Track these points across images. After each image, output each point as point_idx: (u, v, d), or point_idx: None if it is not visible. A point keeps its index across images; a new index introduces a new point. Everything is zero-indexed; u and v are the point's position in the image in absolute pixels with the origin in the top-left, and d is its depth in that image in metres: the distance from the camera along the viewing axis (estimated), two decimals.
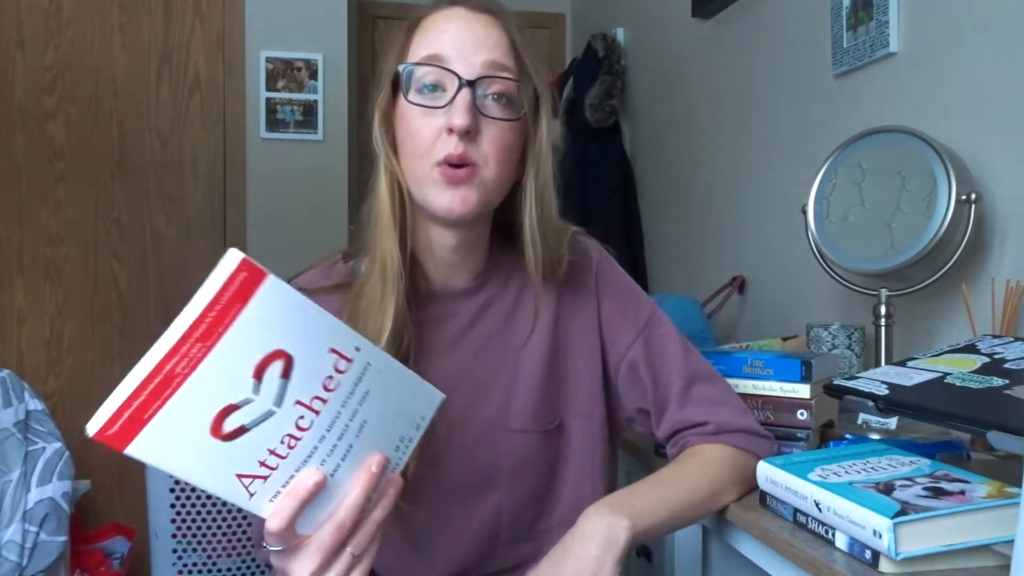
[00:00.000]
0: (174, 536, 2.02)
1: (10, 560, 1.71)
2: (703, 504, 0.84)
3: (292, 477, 0.59)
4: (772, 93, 1.94)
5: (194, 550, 2.03)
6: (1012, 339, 0.92)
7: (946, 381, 0.83)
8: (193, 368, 0.52)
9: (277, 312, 0.54)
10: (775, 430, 0.97)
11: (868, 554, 0.68)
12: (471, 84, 0.79)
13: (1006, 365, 0.84)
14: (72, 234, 2.90)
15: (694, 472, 0.85)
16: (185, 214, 2.99)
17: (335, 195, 3.00)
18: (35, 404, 1.88)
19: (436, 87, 0.80)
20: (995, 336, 0.96)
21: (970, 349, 0.92)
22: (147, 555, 2.06)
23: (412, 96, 0.81)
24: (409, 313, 0.84)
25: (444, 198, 0.80)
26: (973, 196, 1.20)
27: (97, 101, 2.91)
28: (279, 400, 0.56)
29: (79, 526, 2.32)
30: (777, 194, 1.90)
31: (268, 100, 2.99)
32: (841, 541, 0.71)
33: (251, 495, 0.57)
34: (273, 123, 3.00)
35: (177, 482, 2.02)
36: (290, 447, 0.58)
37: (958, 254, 1.23)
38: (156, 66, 2.97)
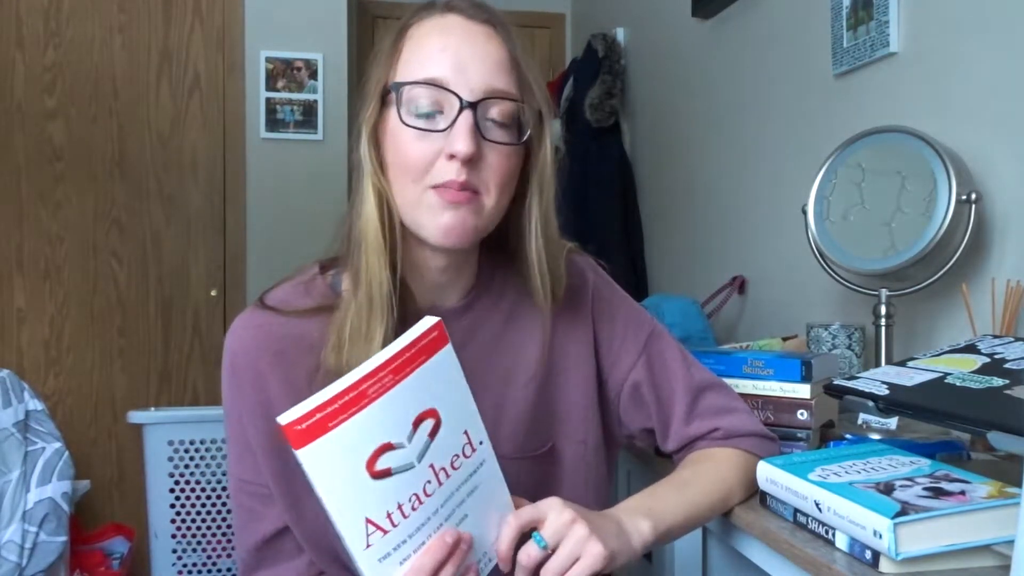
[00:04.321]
0: (174, 536, 2.02)
1: (10, 560, 1.71)
2: (716, 506, 0.84)
3: (403, 543, 0.62)
4: (772, 93, 1.94)
5: (194, 550, 2.03)
6: (1012, 339, 0.92)
7: (946, 381, 0.83)
8: (380, 394, 0.58)
9: (445, 375, 0.63)
10: (775, 430, 0.97)
11: (868, 554, 0.68)
12: (472, 106, 0.74)
13: (1006, 365, 0.84)
14: (72, 234, 2.90)
15: (708, 475, 0.85)
16: (185, 214, 2.99)
17: (335, 195, 2.99)
18: (35, 404, 1.88)
19: (433, 113, 0.75)
20: (995, 336, 0.96)
21: (970, 349, 0.92)
22: (147, 555, 2.06)
23: (407, 118, 0.75)
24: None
25: (439, 223, 0.75)
26: (973, 196, 1.20)
27: (97, 101, 2.91)
28: (421, 456, 0.62)
29: (79, 526, 2.32)
30: (777, 194, 1.90)
31: (268, 100, 2.99)
32: (841, 541, 0.71)
33: (368, 546, 0.60)
34: (273, 123, 3.00)
35: (177, 482, 2.02)
36: (413, 508, 0.62)
37: (958, 254, 1.23)
38: (156, 66, 2.97)
